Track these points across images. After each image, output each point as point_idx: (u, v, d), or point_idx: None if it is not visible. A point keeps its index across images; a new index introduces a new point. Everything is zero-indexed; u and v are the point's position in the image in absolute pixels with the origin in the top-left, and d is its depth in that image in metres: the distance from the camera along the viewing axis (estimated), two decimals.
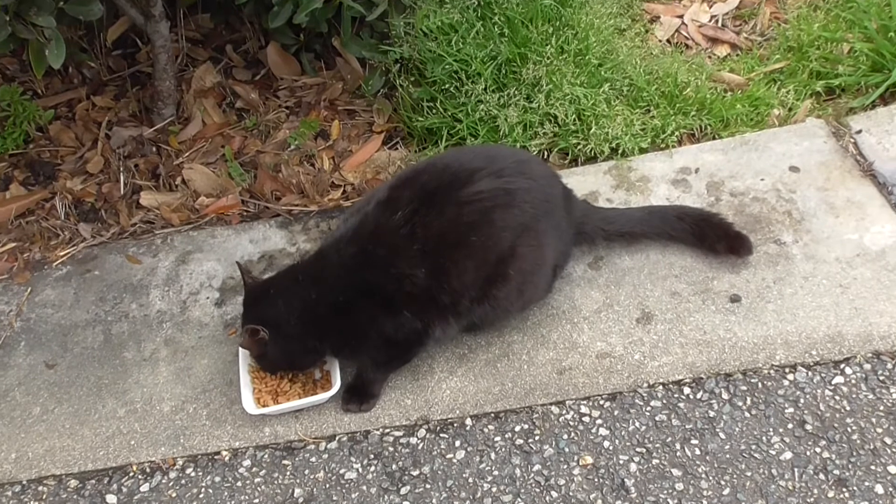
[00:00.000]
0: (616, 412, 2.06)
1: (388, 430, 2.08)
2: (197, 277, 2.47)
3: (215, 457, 2.07)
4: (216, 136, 2.87)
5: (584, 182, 2.55)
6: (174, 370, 2.25)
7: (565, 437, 2.02)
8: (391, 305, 1.97)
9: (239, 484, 2.02)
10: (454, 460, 2.01)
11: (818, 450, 1.96)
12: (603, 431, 2.03)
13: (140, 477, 2.05)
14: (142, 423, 2.15)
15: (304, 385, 2.16)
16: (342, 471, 2.02)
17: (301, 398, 2.11)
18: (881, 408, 2.00)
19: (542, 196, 2.08)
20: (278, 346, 2.00)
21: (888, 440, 1.95)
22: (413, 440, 2.06)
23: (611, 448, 2.00)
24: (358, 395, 2.12)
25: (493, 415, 2.08)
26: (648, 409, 2.06)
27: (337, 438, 2.07)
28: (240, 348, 2.14)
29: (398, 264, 1.94)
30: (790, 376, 2.08)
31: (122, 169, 2.76)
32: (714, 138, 2.67)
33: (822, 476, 1.91)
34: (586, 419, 2.05)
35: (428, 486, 1.97)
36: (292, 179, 2.68)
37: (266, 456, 2.06)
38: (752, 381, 2.08)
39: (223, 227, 2.61)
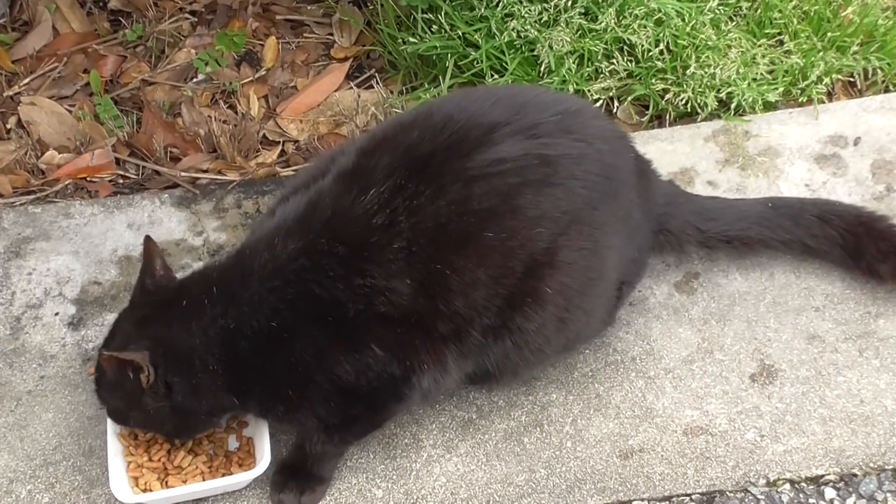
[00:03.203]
0: None
1: None
2: (40, 280, 2.51)
3: None
4: (75, 54, 2.90)
5: (673, 152, 2.59)
6: None
7: None
8: (353, 336, 2.01)
9: None
10: None
11: None
12: None
13: None
14: None
15: (212, 459, 2.20)
16: None
17: (206, 479, 2.16)
18: None
19: (600, 169, 2.12)
20: (169, 397, 2.04)
21: None
22: None
23: None
24: (297, 478, 2.16)
25: None
26: None
27: None
28: None
29: (368, 271, 1.98)
30: None
31: None
32: (888, 90, 2.72)
33: None
34: None
35: None
36: (199, 129, 2.72)
37: None
38: None
39: (85, 201, 2.64)
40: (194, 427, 2.14)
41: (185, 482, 2.16)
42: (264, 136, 2.76)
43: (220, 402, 2.08)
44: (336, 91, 2.82)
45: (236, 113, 2.79)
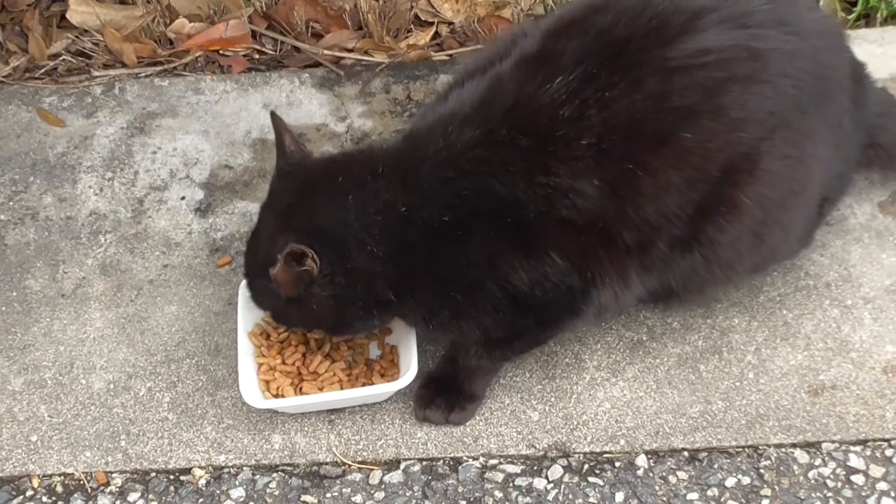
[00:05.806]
0: None
1: (494, 462, 2.11)
2: (165, 161, 2.51)
3: (182, 477, 2.12)
4: None
5: (882, 55, 2.54)
6: (115, 319, 2.30)
7: None
8: (532, 241, 1.98)
9: None
10: None
11: None
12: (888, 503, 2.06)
13: (45, 499, 2.09)
14: (52, 407, 2.19)
15: (351, 366, 2.19)
16: None
17: (344, 388, 2.15)
18: None
19: (814, 68, 2.05)
20: (330, 291, 2.02)
21: None
22: (539, 483, 2.08)
23: None
24: (446, 393, 2.16)
25: (686, 454, 2.10)
26: None
27: (402, 467, 2.11)
28: (241, 290, 2.18)
29: (552, 168, 1.94)
30: None
31: None
32: None
33: None
34: (858, 479, 2.06)
35: None
36: (344, 4, 2.70)
37: (273, 484, 2.10)
38: None
39: (217, 76, 2.65)
40: (351, 322, 2.11)
41: (321, 390, 2.15)
42: (416, 15, 2.73)
43: (375, 293, 2.04)
44: None
45: None
